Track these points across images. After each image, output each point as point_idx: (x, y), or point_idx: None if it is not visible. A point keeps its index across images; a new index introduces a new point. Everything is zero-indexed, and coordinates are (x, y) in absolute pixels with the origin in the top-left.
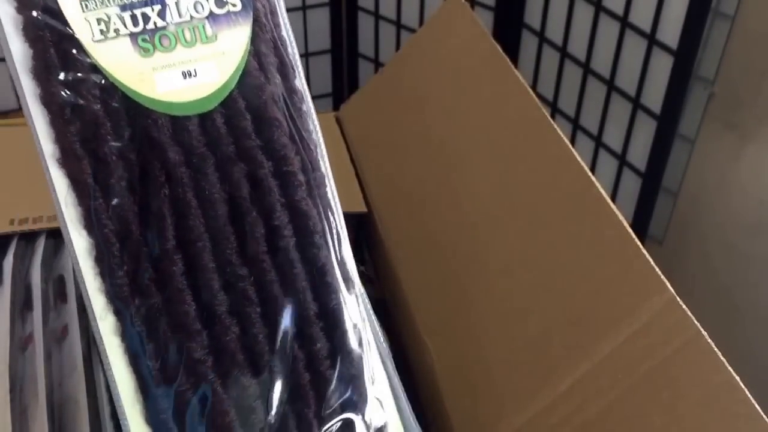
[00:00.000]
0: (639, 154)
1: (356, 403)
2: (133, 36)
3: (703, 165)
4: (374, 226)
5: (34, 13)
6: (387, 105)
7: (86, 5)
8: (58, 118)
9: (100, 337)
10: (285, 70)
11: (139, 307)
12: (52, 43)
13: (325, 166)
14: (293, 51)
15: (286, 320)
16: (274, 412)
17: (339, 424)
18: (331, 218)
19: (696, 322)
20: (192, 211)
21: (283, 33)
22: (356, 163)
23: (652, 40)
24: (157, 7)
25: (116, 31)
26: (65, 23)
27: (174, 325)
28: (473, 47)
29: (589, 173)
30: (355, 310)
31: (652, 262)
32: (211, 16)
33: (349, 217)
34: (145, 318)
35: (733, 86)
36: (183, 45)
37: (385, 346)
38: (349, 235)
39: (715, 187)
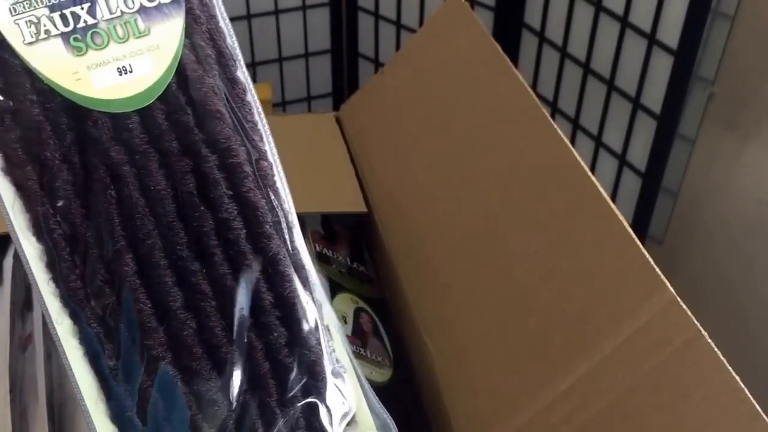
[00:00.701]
0: (639, 154)
1: (318, 388)
2: (64, 36)
3: (703, 165)
4: (374, 226)
5: None
6: (387, 105)
7: (14, 9)
8: None
9: (58, 340)
10: (224, 61)
11: (94, 308)
12: None
13: (272, 155)
14: (232, 42)
15: (242, 311)
16: (236, 403)
17: (301, 408)
18: (281, 207)
19: (696, 322)
20: (139, 210)
21: (221, 24)
22: (356, 163)
23: (652, 40)
24: (87, 5)
25: (47, 32)
26: None
27: (130, 323)
28: (473, 47)
29: (589, 173)
30: (308, 297)
31: (652, 262)
32: (142, 9)
33: (349, 217)
34: (101, 319)
35: (733, 86)
36: (116, 41)
37: (341, 327)
38: (349, 235)
39: (715, 187)
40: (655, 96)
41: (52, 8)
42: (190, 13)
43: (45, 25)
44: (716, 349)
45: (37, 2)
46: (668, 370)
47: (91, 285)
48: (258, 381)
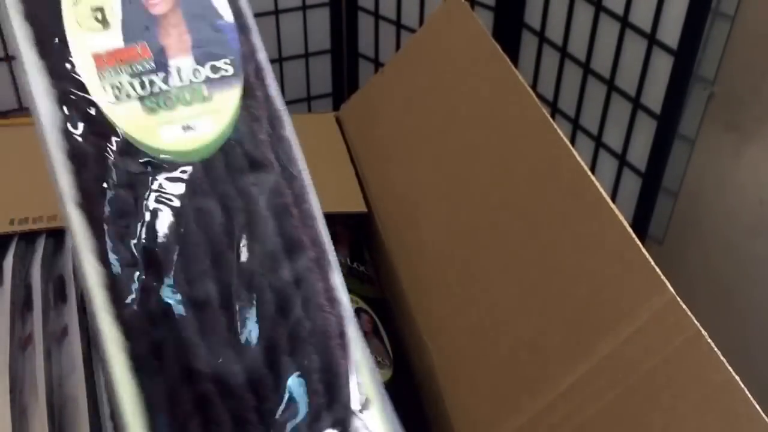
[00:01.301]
0: (639, 154)
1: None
2: (141, 99)
3: (703, 165)
4: (374, 226)
5: (65, 85)
6: (387, 105)
7: (102, 74)
8: (82, 167)
9: (107, 356)
10: (274, 122)
11: (146, 330)
12: (76, 106)
13: (313, 202)
14: (282, 105)
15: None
16: None
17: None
18: (321, 246)
19: (696, 322)
20: (195, 240)
21: (272, 91)
22: (356, 163)
23: (652, 40)
24: (162, 75)
25: (128, 95)
26: (86, 90)
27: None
28: (473, 47)
29: (589, 173)
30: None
31: (652, 262)
32: (208, 80)
33: (349, 217)
34: (152, 345)
35: (733, 86)
36: (183, 105)
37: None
38: (349, 235)
39: (715, 187)
40: (655, 96)
41: (133, 75)
42: (247, 83)
43: (126, 89)
44: (716, 349)
45: (121, 70)
46: (668, 370)
47: (144, 309)
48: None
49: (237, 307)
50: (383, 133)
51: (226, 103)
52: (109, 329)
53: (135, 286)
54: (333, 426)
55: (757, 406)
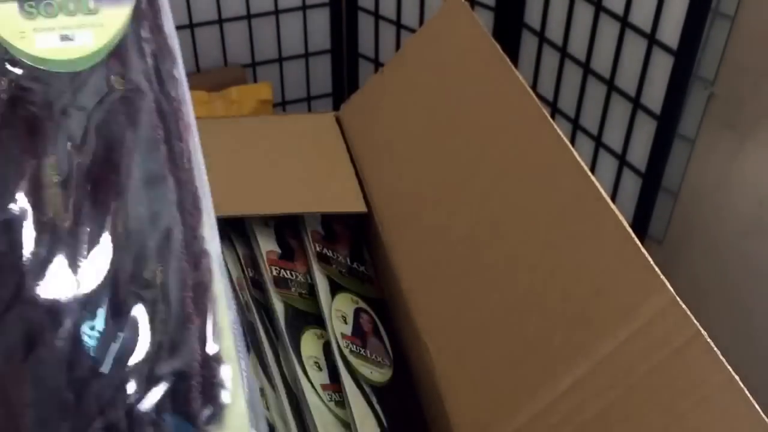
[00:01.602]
0: (639, 154)
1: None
2: (20, 1)
3: (703, 165)
4: (374, 226)
5: None
6: (387, 105)
7: None
8: None
9: None
10: (162, 55)
11: None
12: None
13: (194, 143)
14: (174, 44)
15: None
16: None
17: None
18: (193, 192)
19: (696, 322)
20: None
21: (166, 27)
22: (356, 163)
23: (652, 40)
24: None
25: None
26: None
27: None
28: (473, 47)
29: (589, 173)
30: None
31: (652, 262)
32: None
33: (349, 217)
34: None
35: (733, 86)
36: (65, 14)
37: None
38: (349, 235)
39: (715, 187)
40: (655, 96)
41: None
42: (138, 7)
43: None
44: (716, 349)
45: None
46: (668, 370)
47: None
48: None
49: (86, 230)
50: (383, 133)
51: (112, 19)
52: None
53: None
54: (172, 374)
55: (757, 406)
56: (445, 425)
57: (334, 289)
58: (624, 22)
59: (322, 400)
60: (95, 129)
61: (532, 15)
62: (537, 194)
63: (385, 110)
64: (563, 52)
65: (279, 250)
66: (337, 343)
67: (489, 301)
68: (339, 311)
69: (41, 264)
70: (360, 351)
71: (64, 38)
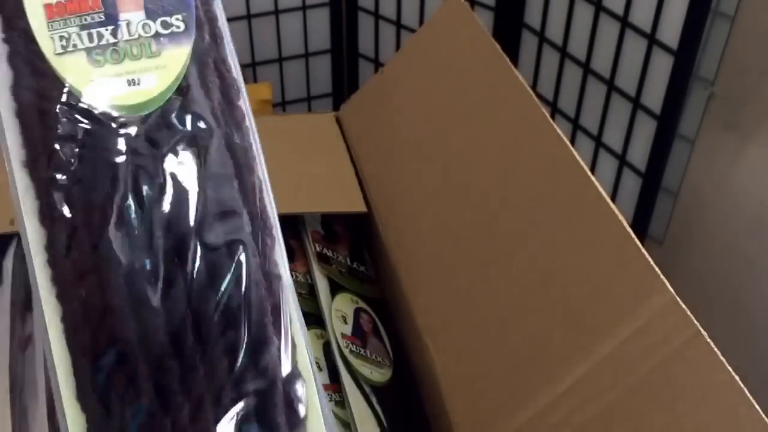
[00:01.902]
0: (639, 154)
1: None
2: (88, 50)
3: (703, 165)
4: (374, 226)
5: (15, 34)
6: (387, 105)
7: (51, 25)
8: (27, 123)
9: (42, 315)
10: (226, 89)
11: (78, 289)
12: (24, 60)
13: (263, 173)
14: (237, 74)
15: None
16: (192, 393)
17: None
18: (265, 222)
19: (696, 322)
20: (129, 197)
21: (227, 57)
22: (356, 163)
23: (652, 40)
24: (111, 27)
25: (74, 46)
26: (35, 41)
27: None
28: (473, 47)
29: (589, 173)
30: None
31: (652, 262)
32: (157, 35)
33: (349, 217)
34: (82, 300)
35: (733, 86)
36: (130, 59)
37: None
38: (349, 235)
39: (715, 187)
40: (655, 96)
41: (82, 27)
42: (199, 44)
43: (74, 41)
44: (716, 349)
45: (70, 21)
46: (668, 370)
47: (78, 269)
48: (213, 375)
49: (163, 271)
50: (383, 133)
51: (174, 59)
52: (47, 291)
53: (67, 244)
54: (255, 394)
55: (757, 406)
56: (445, 425)
57: (334, 289)
58: (624, 22)
59: None
60: (168, 169)
61: (532, 15)
62: (537, 194)
63: (385, 110)
64: (563, 52)
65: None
66: (337, 343)
67: (489, 301)
68: (339, 311)
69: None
70: (360, 351)
71: (131, 83)
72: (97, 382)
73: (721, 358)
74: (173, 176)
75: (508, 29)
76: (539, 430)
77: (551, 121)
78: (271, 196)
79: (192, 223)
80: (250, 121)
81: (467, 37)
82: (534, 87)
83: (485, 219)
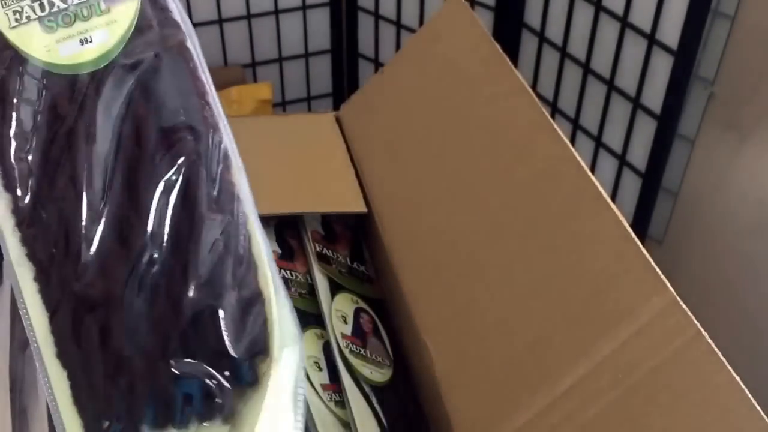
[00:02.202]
0: (639, 154)
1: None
2: (40, 19)
3: (703, 165)
4: (374, 226)
5: None
6: (387, 105)
7: (5, 2)
8: None
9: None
10: (169, 30)
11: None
12: None
13: (213, 98)
14: (181, 16)
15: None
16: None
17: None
18: (214, 140)
19: (696, 322)
20: (84, 150)
21: (174, 13)
22: (356, 163)
23: (652, 40)
24: None
25: (27, 17)
26: None
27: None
28: (473, 47)
29: (589, 173)
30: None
31: (652, 262)
32: None
33: (349, 217)
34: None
35: (733, 86)
36: (80, 20)
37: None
38: (349, 235)
39: (715, 187)
40: (655, 96)
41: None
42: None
43: (26, 12)
44: (716, 349)
45: None
46: (668, 370)
47: (41, 225)
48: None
49: (130, 221)
50: (383, 133)
51: (124, 13)
52: (18, 252)
53: (33, 201)
54: (204, 307)
55: (757, 406)
56: (445, 425)
57: (334, 289)
58: (624, 22)
59: (322, 400)
60: (126, 110)
61: (532, 15)
62: (537, 194)
63: (385, 110)
64: (563, 52)
65: (279, 250)
66: (337, 343)
67: (489, 300)
68: (339, 311)
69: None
70: (360, 351)
71: (84, 41)
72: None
73: (722, 358)
74: (122, 120)
75: (508, 29)
76: (539, 430)
77: (551, 121)
78: (227, 126)
79: (142, 152)
80: (198, 60)
81: (467, 37)
82: (534, 87)
83: (485, 219)
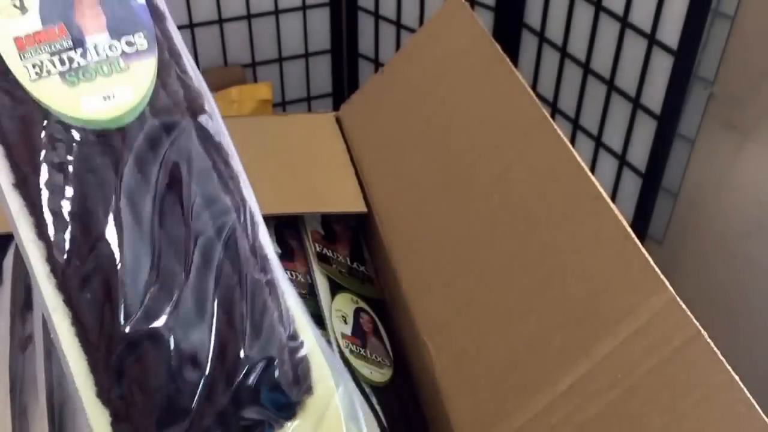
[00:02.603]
0: (639, 154)
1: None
2: (61, 74)
3: (703, 165)
4: (374, 226)
5: None
6: (387, 105)
7: (23, 55)
8: (12, 147)
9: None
10: (189, 94)
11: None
12: (1, 87)
13: (237, 165)
14: (199, 82)
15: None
16: (208, 368)
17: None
18: (245, 209)
19: (696, 321)
20: (120, 206)
21: (188, 70)
22: (356, 163)
23: (652, 40)
24: (80, 50)
25: (48, 71)
26: (9, 72)
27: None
28: (473, 47)
29: (589, 173)
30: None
31: (652, 262)
32: (124, 54)
33: (349, 217)
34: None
35: (733, 86)
36: (102, 76)
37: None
38: (349, 235)
39: (715, 187)
40: (655, 96)
41: (52, 54)
42: (160, 58)
43: (47, 67)
44: (716, 349)
45: (41, 49)
46: (668, 370)
47: (77, 265)
48: (224, 350)
49: (162, 264)
50: (383, 133)
51: (143, 72)
52: (54, 299)
53: (68, 248)
54: (261, 360)
55: (757, 406)
56: (445, 425)
57: (334, 289)
58: (624, 22)
59: None
60: (152, 172)
61: (532, 15)
62: (537, 194)
63: (385, 110)
64: (563, 52)
65: (279, 250)
66: (337, 343)
67: (489, 300)
68: (339, 311)
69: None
70: (360, 351)
71: (107, 98)
72: (114, 377)
73: (721, 358)
74: (158, 178)
75: (508, 29)
76: (539, 430)
77: (551, 121)
78: (250, 188)
79: (183, 214)
80: (217, 123)
81: (467, 37)
82: (534, 87)
83: (485, 219)
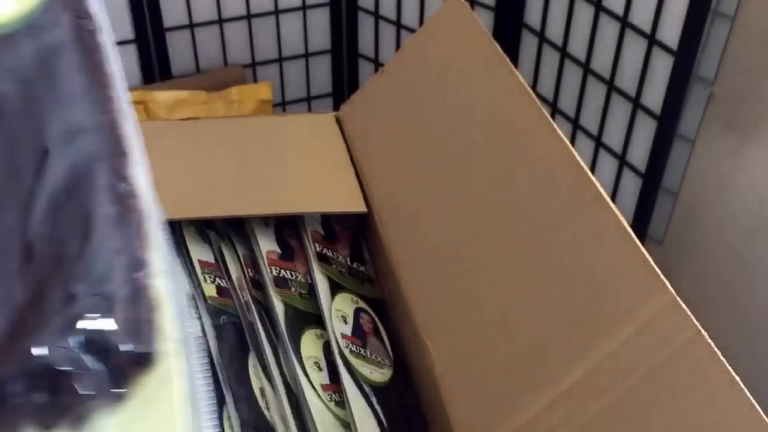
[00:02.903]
0: (639, 154)
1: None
2: None
3: (703, 165)
4: (374, 226)
5: None
6: (387, 105)
7: None
8: None
9: None
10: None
11: None
12: None
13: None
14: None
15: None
16: None
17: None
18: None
19: (696, 322)
20: None
21: None
22: (356, 163)
23: (652, 40)
24: None
25: None
26: None
27: None
28: (473, 47)
29: (589, 173)
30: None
31: (652, 262)
32: None
33: (349, 217)
34: None
35: (733, 86)
36: None
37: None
38: (349, 235)
39: (715, 187)
40: (655, 96)
41: None
42: None
43: None
44: (716, 349)
45: None
46: (668, 370)
47: None
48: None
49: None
50: (383, 133)
51: None
52: None
53: None
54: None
55: (757, 406)
56: (445, 425)
57: (334, 289)
58: (624, 22)
59: (322, 400)
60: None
61: (532, 15)
62: (537, 194)
63: (385, 110)
64: (563, 52)
65: (279, 250)
66: (337, 343)
67: (489, 301)
68: (339, 311)
69: None
70: (360, 351)
71: None
72: None
73: (722, 358)
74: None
75: (508, 29)
76: (539, 430)
77: (551, 121)
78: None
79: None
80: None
81: (467, 37)
82: (534, 87)
83: (485, 219)
